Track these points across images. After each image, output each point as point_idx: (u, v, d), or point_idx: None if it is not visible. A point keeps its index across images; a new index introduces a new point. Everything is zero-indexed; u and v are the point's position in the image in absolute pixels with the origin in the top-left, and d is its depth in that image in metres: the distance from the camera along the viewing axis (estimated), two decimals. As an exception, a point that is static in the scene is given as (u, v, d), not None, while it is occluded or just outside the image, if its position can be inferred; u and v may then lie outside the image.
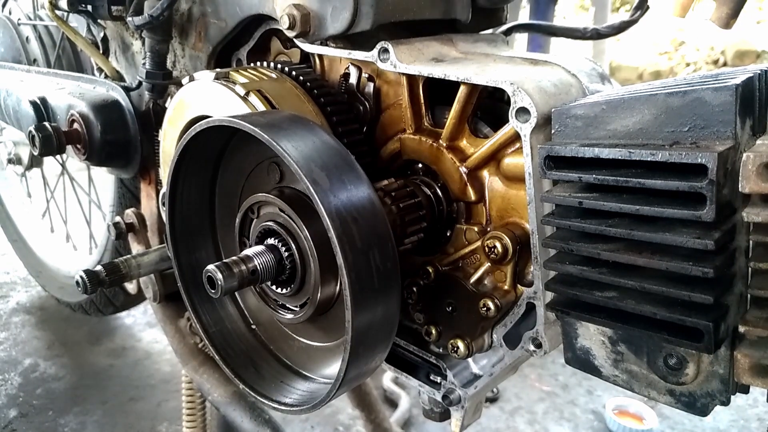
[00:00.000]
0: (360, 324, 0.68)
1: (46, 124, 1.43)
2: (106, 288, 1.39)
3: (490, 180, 0.88)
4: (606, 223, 0.69)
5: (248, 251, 0.80)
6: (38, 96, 1.58)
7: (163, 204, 0.92)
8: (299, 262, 0.80)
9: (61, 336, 3.35)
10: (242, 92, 0.93)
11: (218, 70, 0.99)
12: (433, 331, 0.93)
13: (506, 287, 0.87)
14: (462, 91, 0.86)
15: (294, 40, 1.03)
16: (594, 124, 0.72)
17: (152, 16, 1.16)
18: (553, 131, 0.76)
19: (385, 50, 0.90)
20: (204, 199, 0.94)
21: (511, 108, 0.78)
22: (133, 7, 1.26)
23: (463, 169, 0.89)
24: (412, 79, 0.93)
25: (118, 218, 1.57)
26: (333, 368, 0.84)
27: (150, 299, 1.55)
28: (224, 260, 0.79)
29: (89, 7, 1.40)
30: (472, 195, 0.89)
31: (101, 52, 1.57)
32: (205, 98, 0.99)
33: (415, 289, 0.92)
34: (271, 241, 0.81)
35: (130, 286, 1.66)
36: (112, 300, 2.34)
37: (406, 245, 0.90)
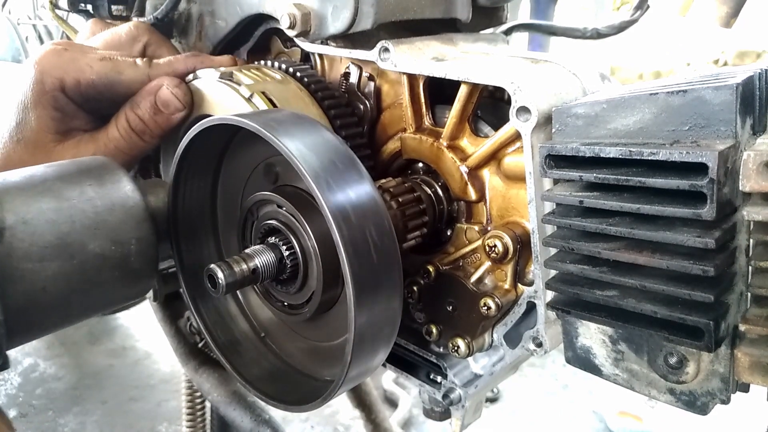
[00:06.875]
0: (362, 305, 0.68)
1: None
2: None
3: (491, 179, 0.88)
4: (607, 222, 0.69)
5: (249, 250, 0.80)
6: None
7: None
8: (300, 257, 0.80)
9: (60, 336, 3.35)
10: (247, 94, 0.92)
11: (222, 69, 0.98)
12: (434, 331, 0.93)
13: (507, 286, 0.87)
14: (463, 90, 0.86)
15: (294, 39, 1.03)
16: (595, 123, 0.72)
17: (158, 18, 1.16)
18: (553, 130, 0.76)
19: (386, 49, 0.90)
20: (206, 199, 0.94)
21: (511, 107, 0.78)
22: (136, 6, 1.26)
23: (463, 169, 0.89)
24: (412, 78, 0.93)
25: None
26: (335, 367, 0.84)
27: (149, 299, 1.55)
28: (225, 259, 0.79)
29: (89, 7, 1.40)
30: (472, 194, 0.89)
31: (101, 51, 1.57)
32: (208, 98, 0.99)
33: (415, 288, 0.92)
34: (271, 239, 0.81)
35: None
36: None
37: (409, 241, 0.90)
